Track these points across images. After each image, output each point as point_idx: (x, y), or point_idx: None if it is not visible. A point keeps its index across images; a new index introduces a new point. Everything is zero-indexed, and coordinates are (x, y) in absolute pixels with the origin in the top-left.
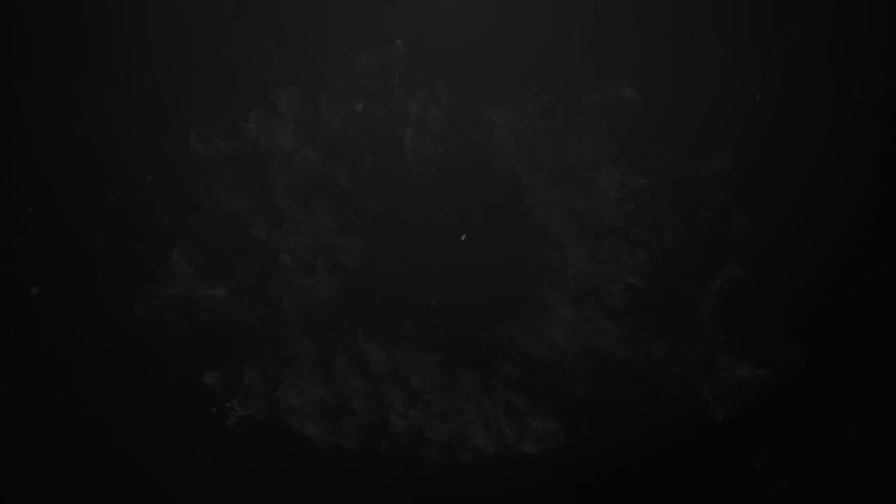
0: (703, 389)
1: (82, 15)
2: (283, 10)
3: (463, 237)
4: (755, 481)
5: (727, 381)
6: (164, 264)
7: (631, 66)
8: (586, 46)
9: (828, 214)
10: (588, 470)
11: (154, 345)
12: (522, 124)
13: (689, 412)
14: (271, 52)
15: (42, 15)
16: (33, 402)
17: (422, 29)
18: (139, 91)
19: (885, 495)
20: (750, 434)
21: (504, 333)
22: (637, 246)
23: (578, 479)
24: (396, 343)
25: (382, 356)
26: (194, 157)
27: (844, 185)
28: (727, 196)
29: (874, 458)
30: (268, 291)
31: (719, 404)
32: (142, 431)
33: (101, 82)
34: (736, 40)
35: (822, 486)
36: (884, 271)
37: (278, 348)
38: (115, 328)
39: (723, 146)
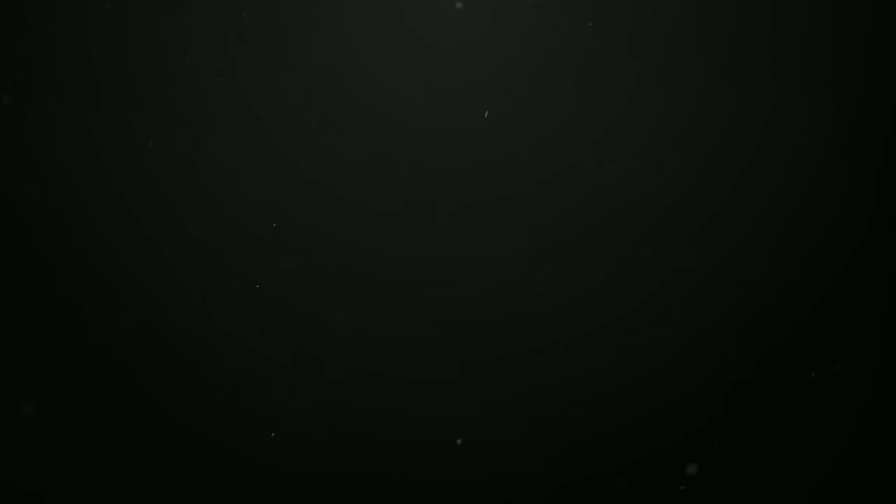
0: (701, 391)
1: (83, 18)
2: (282, 11)
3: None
4: (753, 482)
5: (724, 381)
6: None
7: (630, 71)
8: (586, 49)
9: (829, 215)
10: (585, 469)
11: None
12: (523, 123)
13: (686, 413)
14: (271, 52)
15: (45, 22)
16: (50, 404)
17: (422, 29)
18: (142, 97)
19: (883, 494)
20: (748, 435)
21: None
22: (633, 249)
23: (576, 478)
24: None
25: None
26: (199, 155)
27: (843, 186)
28: (723, 198)
29: (873, 457)
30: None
31: (716, 406)
32: (153, 428)
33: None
34: (734, 48)
35: (819, 484)
36: (884, 273)
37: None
38: (123, 327)
39: (721, 147)
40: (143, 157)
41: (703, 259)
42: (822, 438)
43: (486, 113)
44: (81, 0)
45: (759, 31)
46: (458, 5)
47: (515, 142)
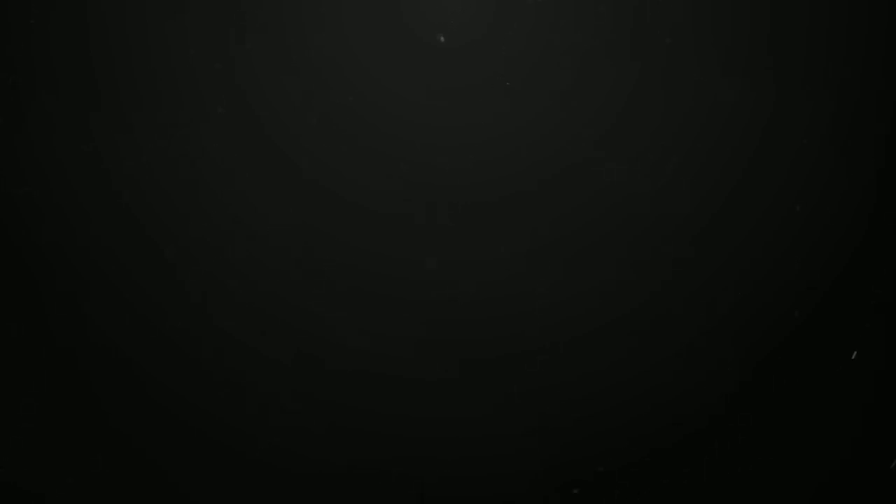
0: (701, 391)
1: (83, 20)
2: (282, 11)
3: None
4: (753, 482)
5: (724, 381)
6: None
7: (630, 71)
8: (585, 49)
9: (829, 215)
10: (586, 469)
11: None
12: (523, 123)
13: (686, 413)
14: (272, 52)
15: (45, 23)
16: (52, 404)
17: (422, 29)
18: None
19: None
20: (748, 435)
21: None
22: (633, 249)
23: (576, 478)
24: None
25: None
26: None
27: (843, 186)
28: (723, 198)
29: (872, 458)
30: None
31: (716, 406)
32: (154, 428)
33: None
34: (734, 48)
35: (819, 484)
36: (884, 273)
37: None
38: (125, 326)
39: (721, 147)
40: (143, 157)
41: (704, 259)
42: (822, 438)
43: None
44: (81, 0)
45: (759, 31)
46: (441, 38)
47: (515, 142)
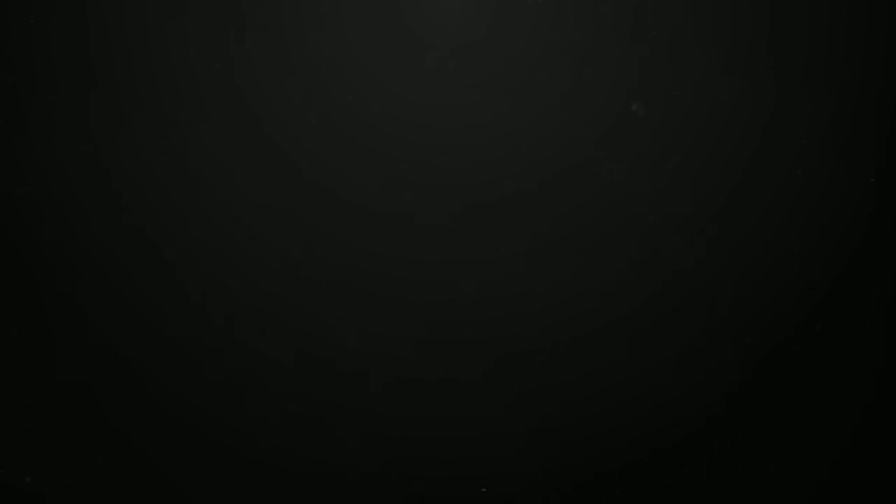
0: (701, 391)
1: (83, 22)
2: (282, 11)
3: None
4: (753, 482)
5: (724, 381)
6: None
7: (630, 71)
8: (585, 50)
9: (829, 215)
10: (586, 470)
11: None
12: (523, 123)
13: (686, 413)
14: (271, 52)
15: (45, 23)
16: (52, 405)
17: (422, 29)
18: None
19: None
20: (748, 435)
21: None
22: (632, 250)
23: (576, 478)
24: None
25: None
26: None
27: (843, 186)
28: (723, 198)
29: (870, 456)
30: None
31: (716, 406)
32: (154, 428)
33: (104, 89)
34: (734, 48)
35: (819, 484)
36: (884, 273)
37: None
38: (125, 326)
39: (721, 147)
40: (143, 157)
41: (703, 259)
42: (822, 438)
43: None
44: (81, 0)
45: (759, 31)
46: (443, 63)
47: (515, 142)
